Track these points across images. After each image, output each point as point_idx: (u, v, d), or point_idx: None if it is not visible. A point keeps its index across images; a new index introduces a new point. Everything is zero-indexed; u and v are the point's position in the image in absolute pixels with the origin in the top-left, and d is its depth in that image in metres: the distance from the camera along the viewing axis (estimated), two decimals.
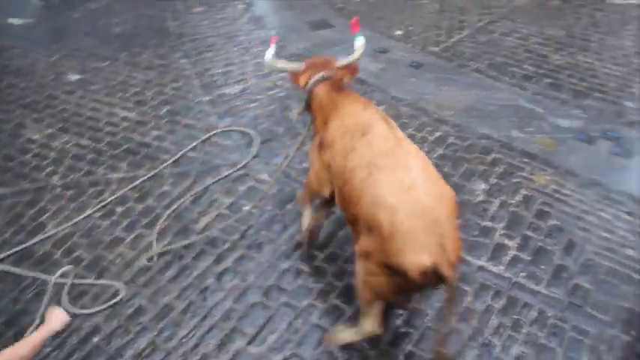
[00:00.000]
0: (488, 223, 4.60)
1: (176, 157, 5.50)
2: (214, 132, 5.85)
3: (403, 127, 5.65)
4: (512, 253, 4.34)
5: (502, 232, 4.52)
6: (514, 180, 5.03)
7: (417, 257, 2.75)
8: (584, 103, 6.18)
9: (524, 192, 4.91)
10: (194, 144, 5.67)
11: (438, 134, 5.69)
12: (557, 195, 4.88)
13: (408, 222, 2.79)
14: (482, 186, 4.97)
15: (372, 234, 2.96)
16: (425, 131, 5.72)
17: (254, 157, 5.45)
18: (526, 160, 5.29)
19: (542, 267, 4.22)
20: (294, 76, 3.92)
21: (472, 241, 4.42)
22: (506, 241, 4.43)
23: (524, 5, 8.48)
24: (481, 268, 4.21)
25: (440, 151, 5.42)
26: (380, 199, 2.92)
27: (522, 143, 5.52)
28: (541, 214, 4.67)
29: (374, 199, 2.95)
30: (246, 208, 4.75)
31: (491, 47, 7.36)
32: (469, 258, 4.25)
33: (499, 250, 4.36)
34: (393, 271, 2.89)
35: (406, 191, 2.88)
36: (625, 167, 5.27)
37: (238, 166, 5.32)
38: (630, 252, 4.33)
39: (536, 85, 6.51)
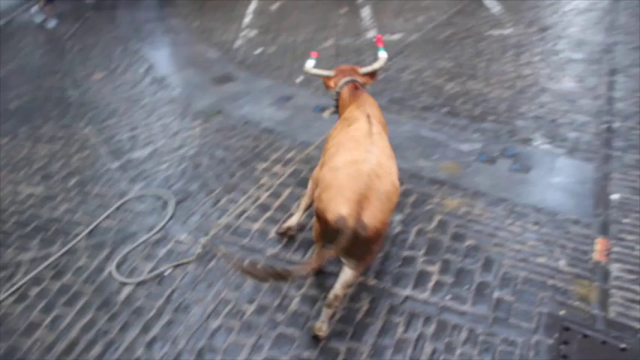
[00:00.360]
0: (409, 252, 4.76)
1: (90, 229, 5.36)
2: (127, 198, 5.76)
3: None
4: (435, 278, 4.50)
5: (423, 259, 4.69)
6: (427, 207, 5.26)
7: (337, 207, 3.37)
8: (481, 127, 6.57)
9: (438, 218, 5.13)
10: (107, 213, 5.56)
11: None
12: (469, 216, 5.13)
13: (343, 180, 3.45)
14: (398, 217, 5.15)
15: (319, 189, 3.62)
16: None
17: (170, 218, 5.40)
18: (436, 187, 5.54)
19: (466, 287, 4.40)
20: (327, 80, 4.68)
21: (396, 272, 4.55)
22: (428, 268, 4.60)
23: (414, 42, 8.97)
24: (408, 298, 4.34)
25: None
26: (333, 163, 3.64)
27: (430, 171, 5.78)
28: (457, 237, 4.89)
29: (329, 165, 3.67)
30: (168, 271, 4.69)
31: (389, 84, 7.72)
32: (396, 289, 4.38)
33: (423, 277, 4.51)
34: (320, 216, 3.54)
35: (354, 163, 3.54)
36: (525, 181, 5.63)
37: (155, 230, 5.24)
38: (541, 260, 4.61)
39: (435, 115, 6.87)
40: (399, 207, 5.27)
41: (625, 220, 5.08)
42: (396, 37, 9.11)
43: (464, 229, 4.98)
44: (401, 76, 7.91)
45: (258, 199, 5.55)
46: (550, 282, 4.40)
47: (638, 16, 9.62)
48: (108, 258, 4.99)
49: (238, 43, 9.81)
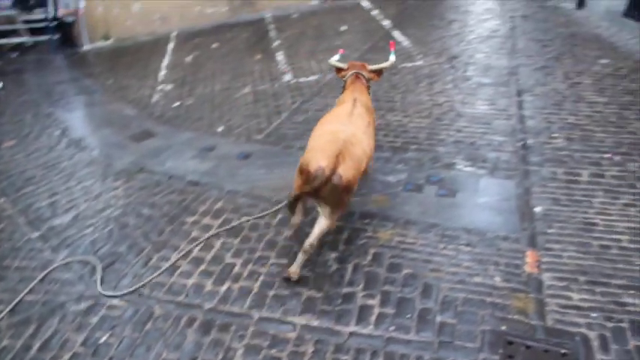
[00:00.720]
0: (348, 289, 4.72)
1: (12, 306, 5.03)
2: (51, 268, 5.46)
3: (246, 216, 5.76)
4: (376, 311, 4.48)
5: (362, 293, 4.66)
6: (361, 242, 5.26)
7: (317, 160, 4.30)
8: (404, 157, 6.72)
9: (372, 251, 5.13)
10: (31, 286, 5.24)
11: (280, 216, 5.82)
12: (402, 246, 5.17)
13: (324, 144, 4.47)
14: (333, 255, 5.13)
15: (305, 152, 4.58)
16: (267, 217, 5.82)
17: (100, 284, 5.15)
18: (367, 220, 5.57)
19: (408, 316, 4.40)
20: (339, 70, 5.98)
21: (337, 310, 4.50)
22: (368, 302, 4.57)
23: (330, 82, 9.13)
24: (352, 334, 4.28)
25: (287, 232, 5.51)
26: (316, 133, 4.82)
27: (360, 205, 5.82)
28: (393, 267, 4.91)
29: (313, 134, 4.83)
30: (103, 339, 4.45)
31: (309, 124, 7.78)
32: (338, 328, 4.33)
33: (364, 311, 4.48)
34: (303, 169, 4.38)
35: (333, 133, 4.60)
36: (453, 205, 5.76)
37: (84, 298, 4.98)
38: (478, 279, 4.69)
39: None
40: (332, 245, 5.25)
41: (550, 231, 5.26)
42: (312, 78, 9.26)
43: (399, 259, 5.00)
44: (320, 115, 7.98)
45: (190, 253, 5.40)
46: (488, 300, 4.47)
47: (535, 40, 10.23)
48: (34, 335, 4.68)
49: (155, 98, 9.70)
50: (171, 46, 12.21)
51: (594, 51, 9.70)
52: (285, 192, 6.13)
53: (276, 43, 11.19)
